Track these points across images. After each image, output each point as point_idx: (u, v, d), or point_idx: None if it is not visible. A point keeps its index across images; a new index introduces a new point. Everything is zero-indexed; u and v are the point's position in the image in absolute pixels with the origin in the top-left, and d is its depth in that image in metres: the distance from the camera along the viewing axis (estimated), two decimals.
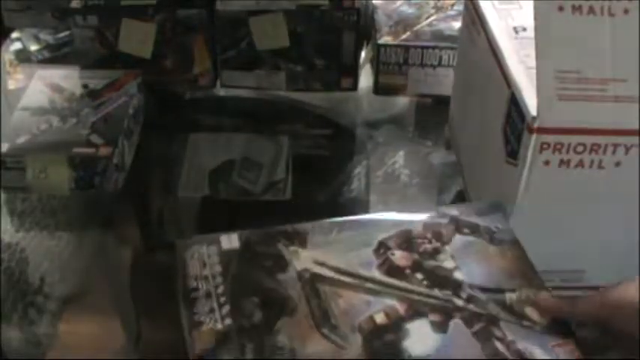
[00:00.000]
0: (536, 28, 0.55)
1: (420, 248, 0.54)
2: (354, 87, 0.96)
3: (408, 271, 0.52)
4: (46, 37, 1.03)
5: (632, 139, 0.56)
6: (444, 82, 0.92)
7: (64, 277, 0.72)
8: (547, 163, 0.58)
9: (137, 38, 0.91)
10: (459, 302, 0.50)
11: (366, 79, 0.98)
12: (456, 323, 0.49)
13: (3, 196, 0.79)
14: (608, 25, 0.55)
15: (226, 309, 0.49)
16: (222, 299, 0.50)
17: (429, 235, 0.55)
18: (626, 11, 0.55)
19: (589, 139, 0.57)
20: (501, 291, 0.51)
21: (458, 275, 0.52)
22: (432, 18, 0.98)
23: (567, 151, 0.57)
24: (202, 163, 0.86)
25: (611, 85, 0.56)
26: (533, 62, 0.56)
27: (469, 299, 0.50)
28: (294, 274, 0.51)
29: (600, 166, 0.58)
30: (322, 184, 0.84)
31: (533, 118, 0.56)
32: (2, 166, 0.78)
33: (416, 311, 0.49)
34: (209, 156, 0.87)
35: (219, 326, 0.48)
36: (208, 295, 0.50)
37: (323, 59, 0.93)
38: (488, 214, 0.57)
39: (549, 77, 0.55)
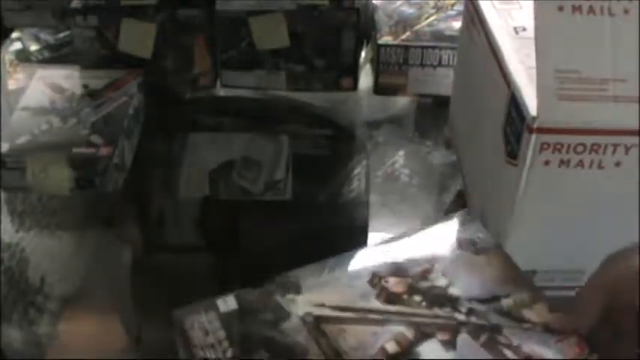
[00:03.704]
0: (536, 28, 0.55)
1: (411, 272, 0.55)
2: (354, 87, 0.96)
3: (405, 296, 0.53)
4: (46, 37, 1.03)
5: (632, 139, 0.56)
6: (443, 82, 0.92)
7: (64, 277, 0.72)
8: (547, 163, 0.58)
9: (137, 38, 0.91)
10: (461, 317, 0.51)
11: (366, 79, 0.97)
12: (463, 338, 0.50)
13: (3, 196, 0.79)
14: (608, 25, 0.55)
15: None
16: None
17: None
18: (626, 11, 0.55)
19: (589, 139, 0.56)
20: (497, 298, 0.52)
21: (453, 291, 0.53)
22: (432, 18, 0.98)
23: (567, 151, 0.57)
24: (202, 163, 0.86)
25: (611, 85, 0.55)
26: (533, 62, 0.56)
27: (469, 312, 0.51)
28: (297, 320, 0.51)
29: (600, 166, 0.58)
30: (322, 184, 0.83)
31: (533, 118, 0.56)
32: (2, 166, 0.78)
33: (423, 333, 0.50)
34: (209, 156, 0.87)
35: None
36: None
37: (323, 59, 0.93)
38: (466, 225, 0.59)
39: (549, 77, 0.55)
